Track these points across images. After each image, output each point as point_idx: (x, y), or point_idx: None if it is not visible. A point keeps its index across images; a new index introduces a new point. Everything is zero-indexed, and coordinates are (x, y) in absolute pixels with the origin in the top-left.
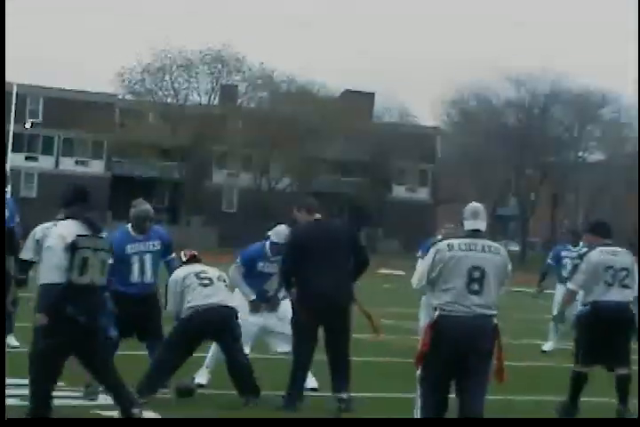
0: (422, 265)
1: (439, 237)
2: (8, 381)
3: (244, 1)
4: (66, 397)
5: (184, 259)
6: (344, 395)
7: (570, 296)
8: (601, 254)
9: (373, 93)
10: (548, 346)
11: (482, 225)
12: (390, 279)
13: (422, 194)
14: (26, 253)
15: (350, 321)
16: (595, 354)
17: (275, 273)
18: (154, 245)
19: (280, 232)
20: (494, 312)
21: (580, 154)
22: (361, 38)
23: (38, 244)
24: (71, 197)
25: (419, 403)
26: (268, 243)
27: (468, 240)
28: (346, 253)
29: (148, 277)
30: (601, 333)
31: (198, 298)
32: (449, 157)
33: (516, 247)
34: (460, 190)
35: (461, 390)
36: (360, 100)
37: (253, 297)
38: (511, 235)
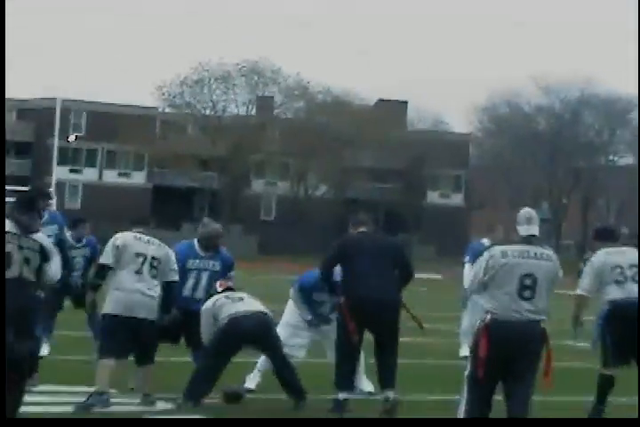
0: (475, 269)
1: (485, 240)
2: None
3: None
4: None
5: (219, 289)
6: (390, 394)
7: (579, 301)
8: (605, 255)
9: (406, 102)
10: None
11: (536, 230)
12: (427, 283)
13: (456, 199)
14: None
15: (398, 323)
16: (622, 354)
17: (327, 300)
18: (214, 265)
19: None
20: (544, 317)
21: (611, 158)
22: (393, 51)
23: None
24: (17, 202)
25: (463, 402)
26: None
27: (521, 247)
28: (391, 262)
29: (200, 294)
30: (624, 331)
31: (232, 309)
32: (481, 163)
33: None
34: (493, 195)
35: (509, 392)
36: (393, 109)
37: (309, 318)
38: (544, 238)
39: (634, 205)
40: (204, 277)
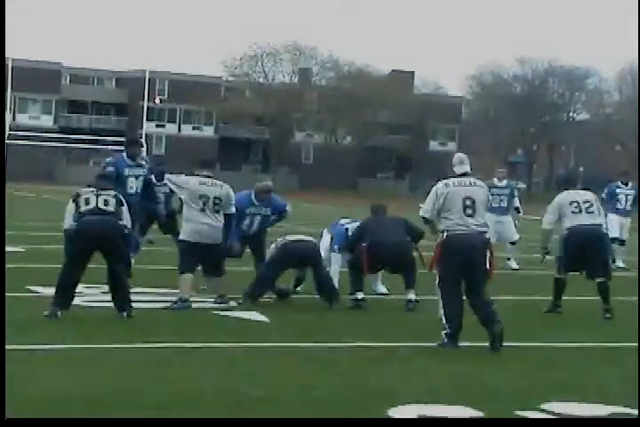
0: (428, 201)
1: (495, 180)
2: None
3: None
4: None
5: None
6: (412, 296)
7: (544, 234)
8: (565, 195)
9: (413, 72)
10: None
11: (467, 169)
12: None
13: (451, 147)
14: None
15: (413, 260)
16: (572, 265)
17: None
18: (266, 210)
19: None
20: (486, 229)
21: (570, 114)
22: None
23: None
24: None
25: (441, 305)
26: (347, 228)
27: (459, 179)
28: (402, 228)
29: (253, 228)
30: (577, 248)
31: (288, 237)
32: (471, 119)
33: (524, 185)
34: (480, 144)
35: (468, 287)
36: (403, 77)
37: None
38: (519, 176)
39: (587, 152)
40: (257, 219)
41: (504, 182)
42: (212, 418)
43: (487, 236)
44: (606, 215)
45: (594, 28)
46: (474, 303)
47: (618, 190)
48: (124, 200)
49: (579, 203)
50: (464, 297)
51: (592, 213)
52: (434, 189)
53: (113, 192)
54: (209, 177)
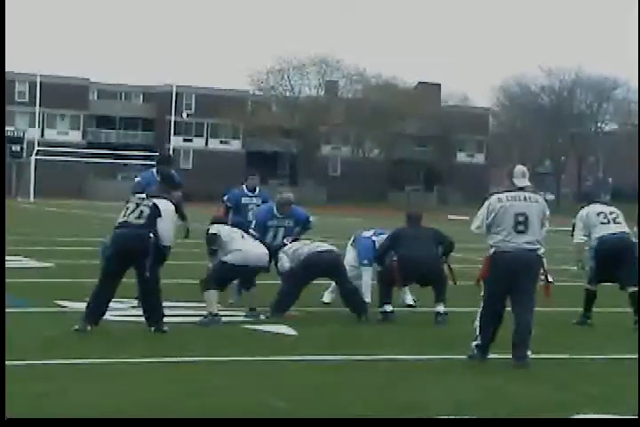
0: (479, 214)
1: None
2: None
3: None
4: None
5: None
6: (441, 308)
7: (577, 248)
8: (589, 208)
9: (440, 84)
10: None
11: (527, 182)
12: (457, 223)
13: (479, 159)
14: None
15: (443, 274)
16: (603, 275)
17: None
18: (288, 223)
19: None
20: (538, 246)
21: (599, 125)
22: (429, 44)
23: None
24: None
25: (479, 314)
26: (374, 240)
27: (513, 193)
28: (432, 240)
29: (278, 241)
30: (608, 258)
31: (313, 247)
32: (498, 130)
33: (552, 197)
34: (507, 155)
35: (514, 304)
36: (430, 89)
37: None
38: (548, 188)
39: (616, 162)
40: (280, 231)
41: (541, 196)
42: (214, 418)
43: (539, 253)
44: None
45: (621, 38)
46: (515, 324)
47: None
48: (162, 210)
49: (606, 214)
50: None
51: (620, 223)
52: (486, 202)
53: (152, 202)
54: None
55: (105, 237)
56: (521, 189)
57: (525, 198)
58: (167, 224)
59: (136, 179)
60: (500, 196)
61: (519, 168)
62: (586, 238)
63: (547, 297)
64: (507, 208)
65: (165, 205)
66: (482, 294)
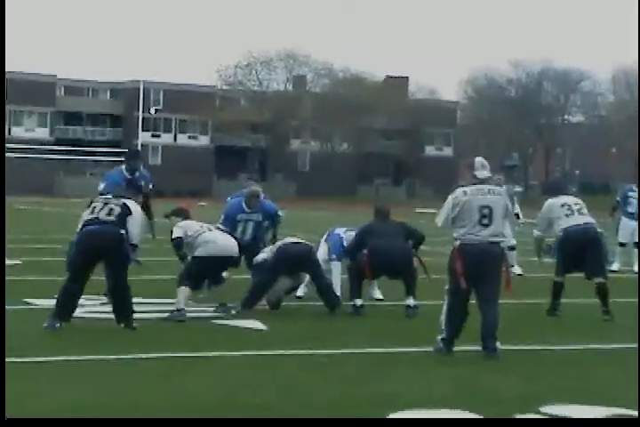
0: (444, 208)
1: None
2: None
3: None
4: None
5: None
6: (411, 302)
7: (537, 241)
8: (553, 200)
9: (408, 77)
10: (615, 266)
11: (488, 175)
12: (425, 217)
13: (447, 152)
14: None
15: (413, 267)
16: (570, 266)
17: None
18: (257, 217)
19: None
20: (502, 239)
21: (565, 117)
22: (397, 36)
23: None
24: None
25: (445, 307)
26: (342, 237)
27: (477, 187)
28: (402, 234)
29: (247, 236)
30: (574, 249)
31: (286, 240)
32: (466, 123)
33: (520, 189)
34: (476, 148)
35: (479, 297)
36: (398, 83)
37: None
38: (515, 180)
39: (584, 154)
40: (250, 225)
41: (503, 189)
42: (215, 418)
43: (502, 245)
44: (620, 219)
45: (587, 31)
46: (482, 316)
47: (630, 193)
48: (131, 209)
49: (570, 205)
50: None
51: (584, 214)
52: (451, 196)
53: (122, 201)
54: None
55: (74, 237)
56: (483, 181)
57: (489, 191)
58: (136, 223)
59: (102, 183)
60: (464, 189)
61: (478, 160)
62: (542, 233)
63: (507, 291)
64: (471, 201)
65: (133, 206)
66: (446, 287)
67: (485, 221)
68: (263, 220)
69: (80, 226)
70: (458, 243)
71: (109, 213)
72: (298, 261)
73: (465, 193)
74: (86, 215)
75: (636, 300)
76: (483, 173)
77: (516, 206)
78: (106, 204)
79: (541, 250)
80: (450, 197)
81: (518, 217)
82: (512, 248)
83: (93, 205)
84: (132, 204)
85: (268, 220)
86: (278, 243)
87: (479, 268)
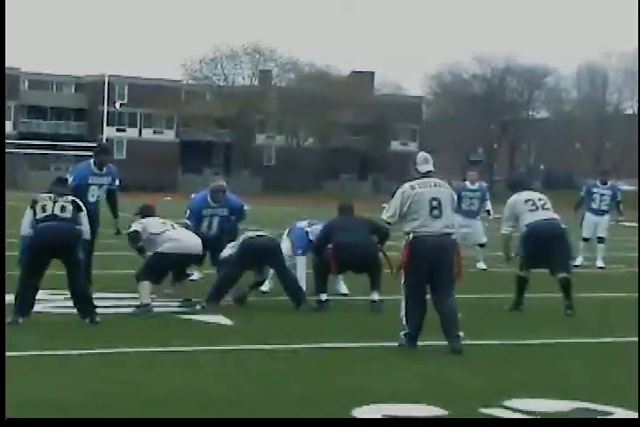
0: (393, 204)
1: (467, 183)
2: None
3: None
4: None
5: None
6: (375, 296)
7: (504, 238)
8: (517, 196)
9: (373, 72)
10: (578, 260)
11: (431, 168)
12: None
13: (412, 147)
14: None
15: (378, 261)
16: (534, 261)
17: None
18: (223, 211)
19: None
20: (453, 230)
21: (530, 113)
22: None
23: None
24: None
25: (403, 303)
26: (307, 231)
27: (423, 180)
28: (367, 229)
29: (213, 231)
30: (538, 244)
31: (250, 233)
32: (432, 119)
33: (485, 184)
34: (441, 143)
35: (434, 290)
36: (363, 78)
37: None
38: (480, 175)
39: (548, 149)
40: (215, 220)
41: (476, 185)
42: (185, 418)
43: (454, 237)
44: (584, 214)
45: (551, 26)
46: (439, 308)
47: (594, 189)
48: (82, 206)
49: (534, 200)
50: (428, 297)
51: (548, 209)
52: (399, 191)
53: (71, 198)
54: None
55: (27, 231)
56: (425, 174)
57: (435, 184)
58: (85, 219)
59: (69, 177)
60: (411, 184)
61: (421, 155)
62: (511, 229)
63: (458, 281)
64: (421, 194)
65: (80, 202)
66: (402, 282)
67: (436, 212)
68: (229, 214)
69: (28, 223)
70: (411, 236)
71: (63, 210)
72: (262, 254)
73: (413, 187)
74: (39, 213)
75: (601, 294)
76: (425, 168)
77: (487, 203)
78: (55, 202)
79: (508, 247)
80: (398, 192)
81: (489, 213)
82: (482, 245)
83: (42, 203)
84: (77, 200)
85: (234, 214)
86: (242, 236)
87: (434, 259)
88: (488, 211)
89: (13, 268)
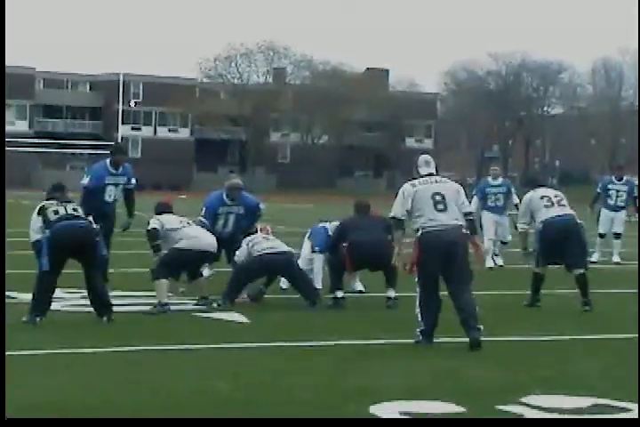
0: (396, 203)
1: (490, 178)
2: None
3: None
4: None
5: (258, 230)
6: (392, 293)
7: (521, 236)
8: (532, 193)
9: (388, 69)
10: (595, 257)
11: (432, 170)
12: None
13: (428, 144)
14: None
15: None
16: (550, 257)
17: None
18: (239, 209)
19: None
20: (461, 222)
21: (545, 109)
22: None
23: None
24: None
25: (417, 299)
26: (326, 227)
27: (425, 178)
28: (381, 227)
29: (228, 229)
30: (553, 240)
31: (267, 247)
32: (447, 116)
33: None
34: (456, 140)
35: (449, 284)
36: (378, 75)
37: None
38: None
39: (563, 145)
40: (231, 218)
41: (499, 180)
42: (194, 418)
43: (463, 229)
44: (600, 210)
45: (566, 23)
46: (456, 303)
47: (610, 186)
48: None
49: (550, 197)
50: (446, 293)
51: (564, 205)
52: (401, 190)
53: (75, 203)
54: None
55: (36, 237)
56: (428, 175)
57: (437, 181)
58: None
59: (86, 177)
60: (412, 182)
61: (422, 157)
62: (527, 226)
63: (478, 264)
64: (422, 191)
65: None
66: (416, 279)
67: (440, 206)
68: (245, 213)
69: (37, 229)
70: (420, 233)
71: (76, 211)
72: (275, 270)
73: (413, 185)
74: (51, 215)
75: (617, 291)
76: (425, 170)
77: (514, 197)
78: (64, 206)
79: (526, 243)
80: (400, 191)
81: (518, 208)
82: (504, 243)
83: (52, 208)
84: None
85: (249, 213)
86: (261, 245)
87: (445, 253)
88: (516, 205)
89: (30, 267)
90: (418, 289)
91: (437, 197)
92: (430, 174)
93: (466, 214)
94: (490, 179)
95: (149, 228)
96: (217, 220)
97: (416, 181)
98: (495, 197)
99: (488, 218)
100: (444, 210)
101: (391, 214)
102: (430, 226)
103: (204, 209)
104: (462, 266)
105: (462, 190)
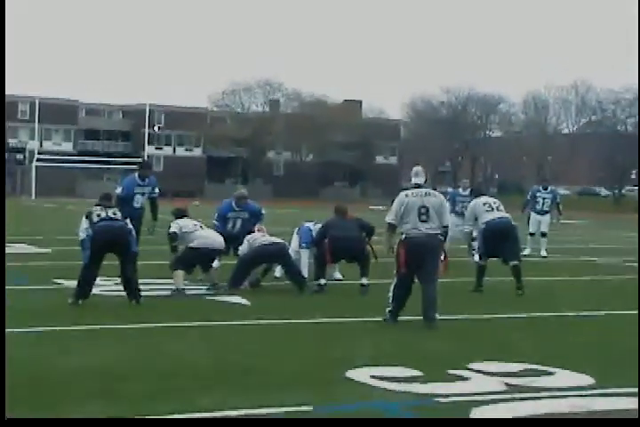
0: (394, 208)
1: (460, 189)
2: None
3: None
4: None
5: (255, 230)
6: (365, 280)
7: (466, 236)
8: (477, 200)
9: (361, 100)
10: (526, 251)
11: (422, 180)
12: (376, 212)
13: (393, 161)
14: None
15: (366, 252)
16: (490, 252)
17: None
18: (244, 214)
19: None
20: (439, 231)
21: (487, 133)
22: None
23: None
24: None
25: (393, 285)
26: (311, 229)
27: (416, 190)
28: (356, 226)
29: (236, 230)
30: (493, 238)
31: (263, 240)
32: (409, 137)
33: (451, 189)
34: (416, 158)
35: (421, 278)
36: (353, 105)
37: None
38: (447, 183)
39: (502, 162)
40: (238, 221)
41: (468, 191)
42: (210, 418)
43: (440, 237)
44: (530, 213)
45: (504, 63)
46: (423, 295)
47: (538, 194)
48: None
49: (490, 203)
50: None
51: (501, 210)
52: (397, 198)
53: (116, 208)
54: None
55: (85, 235)
56: (418, 185)
57: (425, 194)
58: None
59: (119, 187)
60: (407, 192)
61: (415, 169)
62: (471, 228)
63: (443, 272)
64: (413, 202)
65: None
66: (394, 271)
67: (424, 217)
68: (249, 217)
69: (84, 229)
70: (404, 236)
71: (115, 214)
72: (270, 258)
73: (407, 195)
74: (94, 217)
75: (545, 278)
76: (415, 180)
77: None
78: (106, 211)
79: (469, 243)
80: (397, 200)
81: None
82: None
83: (97, 212)
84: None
85: (253, 217)
86: (259, 240)
87: (421, 255)
88: None
89: (75, 259)
90: (395, 278)
91: (422, 210)
92: (419, 186)
93: (444, 226)
94: (460, 190)
95: (170, 231)
96: (227, 222)
97: (409, 192)
98: (462, 205)
99: (454, 221)
100: (426, 220)
101: (387, 220)
102: (413, 233)
103: (216, 214)
104: (432, 265)
105: (446, 204)
